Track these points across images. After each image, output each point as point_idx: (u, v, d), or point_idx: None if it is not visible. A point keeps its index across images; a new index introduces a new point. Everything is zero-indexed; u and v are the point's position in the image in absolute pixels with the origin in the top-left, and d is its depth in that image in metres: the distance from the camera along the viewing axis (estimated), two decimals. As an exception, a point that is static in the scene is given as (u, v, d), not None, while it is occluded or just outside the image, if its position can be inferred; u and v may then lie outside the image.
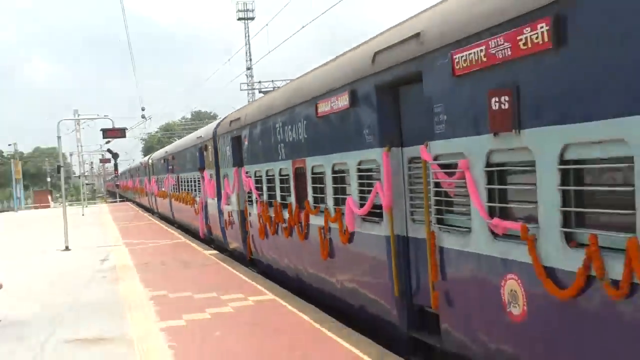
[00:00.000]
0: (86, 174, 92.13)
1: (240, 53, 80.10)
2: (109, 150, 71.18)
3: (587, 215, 5.30)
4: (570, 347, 5.38)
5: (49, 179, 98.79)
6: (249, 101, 53.06)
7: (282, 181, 13.40)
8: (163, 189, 36.44)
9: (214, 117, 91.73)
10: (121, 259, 19.80)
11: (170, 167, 33.04)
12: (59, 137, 27.58)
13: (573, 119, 5.16)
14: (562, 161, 5.34)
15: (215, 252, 20.91)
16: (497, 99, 6.00)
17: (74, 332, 10.64)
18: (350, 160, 9.72)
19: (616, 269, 4.73)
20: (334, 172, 10.49)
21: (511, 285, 6.11)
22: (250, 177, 15.74)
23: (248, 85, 76.07)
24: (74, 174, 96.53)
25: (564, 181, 5.37)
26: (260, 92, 65.26)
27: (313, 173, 11.51)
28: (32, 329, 10.97)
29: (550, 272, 5.52)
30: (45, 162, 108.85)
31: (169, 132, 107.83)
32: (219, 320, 10.82)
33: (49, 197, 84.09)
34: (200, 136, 23.72)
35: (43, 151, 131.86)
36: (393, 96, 8.62)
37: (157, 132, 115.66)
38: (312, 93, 11.24)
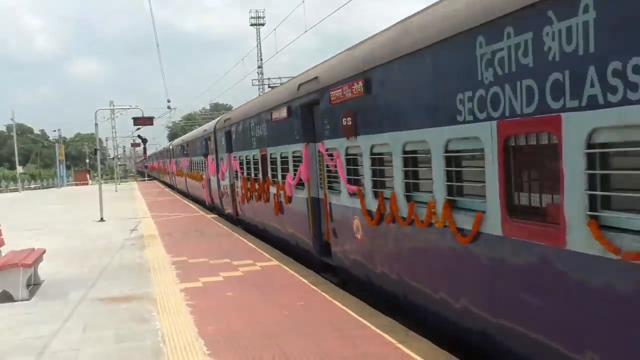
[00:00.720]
0: (119, 156, 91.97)
1: (252, 53, 79.70)
2: (139, 136, 71.11)
3: (380, 181, 8.56)
4: (381, 251, 8.62)
5: (87, 160, 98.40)
6: (259, 94, 52.84)
7: (254, 163, 16.65)
8: (180, 169, 39.29)
9: (229, 108, 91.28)
10: (148, 229, 19.75)
11: (185, 152, 35.93)
12: (96, 124, 27.49)
13: (375, 132, 8.38)
14: (372, 154, 8.60)
15: (215, 215, 23.33)
16: (346, 119, 9.27)
17: (106, 291, 10.60)
18: (289, 150, 12.93)
19: (388, 208, 8.06)
20: (281, 157, 13.66)
21: (356, 222, 9.40)
22: (237, 160, 19.08)
23: (259, 81, 75.81)
24: (109, 156, 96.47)
25: (373, 164, 8.64)
26: (269, 86, 64.91)
27: (270, 158, 14.72)
28: (70, 288, 10.93)
29: (369, 213, 8.78)
30: (84, 145, 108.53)
31: (190, 121, 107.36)
32: (231, 282, 10.77)
33: (87, 176, 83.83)
34: (206, 130, 26.89)
35: (83, 136, 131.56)
36: (309, 111, 11.70)
37: (180, 121, 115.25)
38: (269, 105, 14.59)
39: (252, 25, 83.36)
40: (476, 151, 6.05)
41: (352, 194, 9.43)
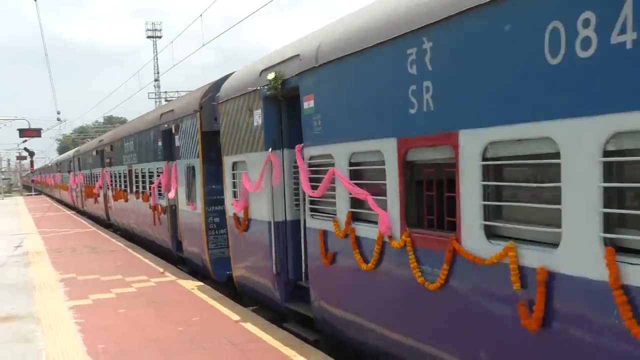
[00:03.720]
0: (3, 169, 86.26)
1: (148, 66, 77.76)
2: (25, 149, 67.19)
3: (131, 185, 18.62)
4: (123, 215, 20.68)
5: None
6: (156, 107, 51.11)
7: (86, 178, 29.77)
8: (57, 182, 49.60)
9: (124, 121, 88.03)
10: (34, 245, 18.61)
11: (58, 169, 48.13)
12: (-24, 135, 25.71)
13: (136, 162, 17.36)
14: (130, 173, 18.66)
15: (111, 232, 21.83)
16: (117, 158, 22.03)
17: (-15, 311, 9.86)
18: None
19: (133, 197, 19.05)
20: (93, 175, 25.24)
21: (111, 201, 22.88)
22: (82, 174, 31.60)
23: (155, 94, 74.11)
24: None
25: (131, 178, 18.66)
26: (165, 100, 63.49)
27: (92, 175, 26.36)
28: (-56, 309, 10.07)
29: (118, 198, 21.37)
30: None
31: (82, 134, 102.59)
32: (123, 299, 10.36)
33: (-33, 190, 77.95)
34: (70, 155, 40.02)
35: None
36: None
37: (72, 133, 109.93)
38: (91, 148, 26.86)
39: (148, 37, 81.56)
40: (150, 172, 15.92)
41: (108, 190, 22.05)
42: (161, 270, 13.00)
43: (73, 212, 35.46)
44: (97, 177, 25.21)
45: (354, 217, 6.41)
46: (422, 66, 5.12)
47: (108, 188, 22.91)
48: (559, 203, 3.94)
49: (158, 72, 78.78)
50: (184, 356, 7.07)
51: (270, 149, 8.17)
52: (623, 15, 3.41)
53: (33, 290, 11.43)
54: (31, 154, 70.65)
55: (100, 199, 25.00)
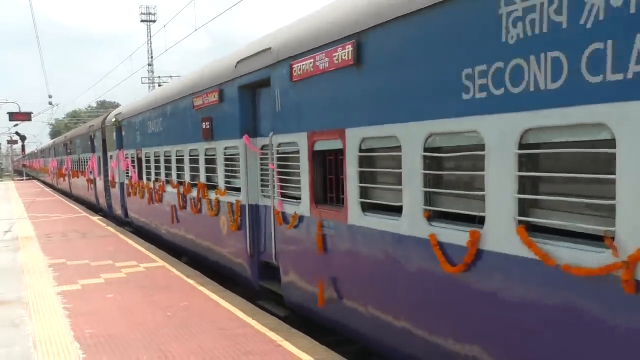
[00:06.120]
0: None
1: (140, 50, 77.39)
2: (16, 133, 66.84)
3: (74, 168, 32.58)
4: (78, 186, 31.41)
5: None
6: (149, 91, 50.89)
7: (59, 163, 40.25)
8: (41, 166, 61.52)
9: (117, 105, 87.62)
10: (24, 231, 18.58)
11: (42, 155, 58.82)
12: (-35, 119, 25.60)
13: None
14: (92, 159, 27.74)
15: (100, 217, 21.35)
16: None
17: (-27, 296, 9.87)
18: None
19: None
20: (79, 160, 29.74)
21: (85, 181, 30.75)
22: (55, 160, 40.95)
23: (149, 79, 73.79)
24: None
25: (75, 163, 32.18)
26: (159, 84, 63.27)
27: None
28: None
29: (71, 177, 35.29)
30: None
31: (75, 119, 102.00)
32: (112, 284, 10.38)
33: (-43, 175, 77.80)
34: (50, 144, 50.72)
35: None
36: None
37: (64, 118, 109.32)
38: (60, 142, 41.38)
39: (142, 21, 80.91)
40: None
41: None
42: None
43: (51, 189, 44.62)
44: (64, 162, 36.25)
45: (139, 177, 15.90)
46: (160, 121, 13.82)
47: (70, 170, 33.13)
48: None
49: (152, 57, 78.29)
50: (172, 340, 7.11)
51: (118, 150, 18.43)
52: None
53: (22, 275, 11.44)
54: (22, 138, 70.31)
55: (67, 178, 35.78)
